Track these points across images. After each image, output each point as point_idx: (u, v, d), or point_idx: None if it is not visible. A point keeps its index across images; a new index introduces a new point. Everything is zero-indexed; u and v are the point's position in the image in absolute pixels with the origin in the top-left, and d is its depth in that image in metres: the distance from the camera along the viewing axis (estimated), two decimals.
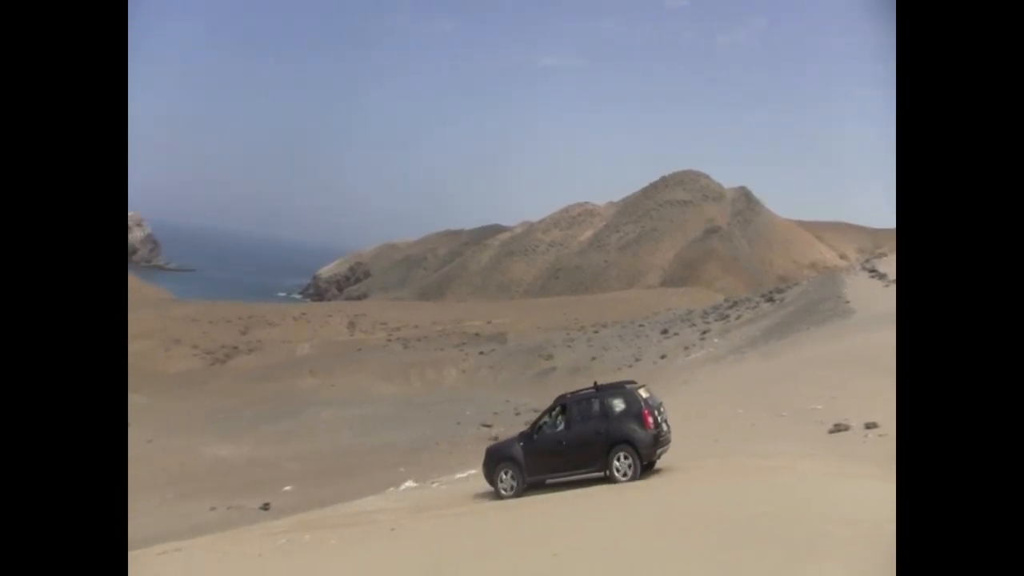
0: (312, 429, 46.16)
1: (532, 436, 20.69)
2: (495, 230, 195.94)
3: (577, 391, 21.18)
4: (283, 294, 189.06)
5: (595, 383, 21.33)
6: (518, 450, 20.66)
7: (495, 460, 21.07)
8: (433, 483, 26.33)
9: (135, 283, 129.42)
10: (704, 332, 58.64)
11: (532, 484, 20.42)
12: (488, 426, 41.78)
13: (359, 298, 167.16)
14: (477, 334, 74.39)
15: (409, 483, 27.43)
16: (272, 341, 77.03)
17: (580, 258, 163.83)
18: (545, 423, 20.78)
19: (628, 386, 20.34)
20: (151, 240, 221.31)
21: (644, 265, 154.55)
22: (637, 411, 19.34)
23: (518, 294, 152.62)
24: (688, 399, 34.90)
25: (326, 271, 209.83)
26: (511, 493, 20.45)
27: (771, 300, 63.54)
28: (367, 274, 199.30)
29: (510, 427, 40.65)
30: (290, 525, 22.81)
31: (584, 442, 19.67)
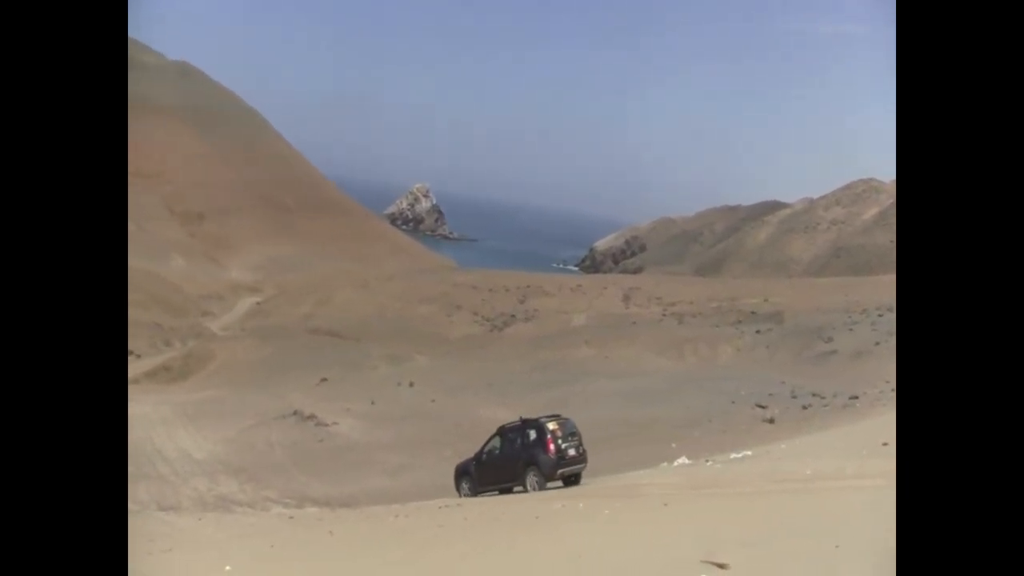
0: (586, 399, 46.77)
1: (482, 456, 26.93)
2: (774, 206, 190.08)
3: (510, 423, 27.12)
4: (558, 265, 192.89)
5: (520, 418, 27.16)
6: (472, 467, 27.10)
7: (459, 474, 27.65)
8: (707, 461, 26.09)
9: (421, 250, 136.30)
10: None
11: (483, 491, 26.44)
12: (763, 407, 40.45)
13: (634, 271, 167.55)
14: (753, 312, 72.22)
15: (683, 459, 27.28)
16: (548, 311, 78.60)
17: (864, 237, 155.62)
18: (491, 447, 26.81)
19: (542, 419, 26.08)
20: (436, 210, 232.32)
21: None
22: (543, 440, 25.20)
23: (796, 272, 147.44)
24: None
25: (602, 244, 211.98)
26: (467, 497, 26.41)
27: None
28: (643, 248, 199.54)
29: (785, 409, 39.57)
30: (564, 492, 23.40)
31: (510, 462, 25.92)
